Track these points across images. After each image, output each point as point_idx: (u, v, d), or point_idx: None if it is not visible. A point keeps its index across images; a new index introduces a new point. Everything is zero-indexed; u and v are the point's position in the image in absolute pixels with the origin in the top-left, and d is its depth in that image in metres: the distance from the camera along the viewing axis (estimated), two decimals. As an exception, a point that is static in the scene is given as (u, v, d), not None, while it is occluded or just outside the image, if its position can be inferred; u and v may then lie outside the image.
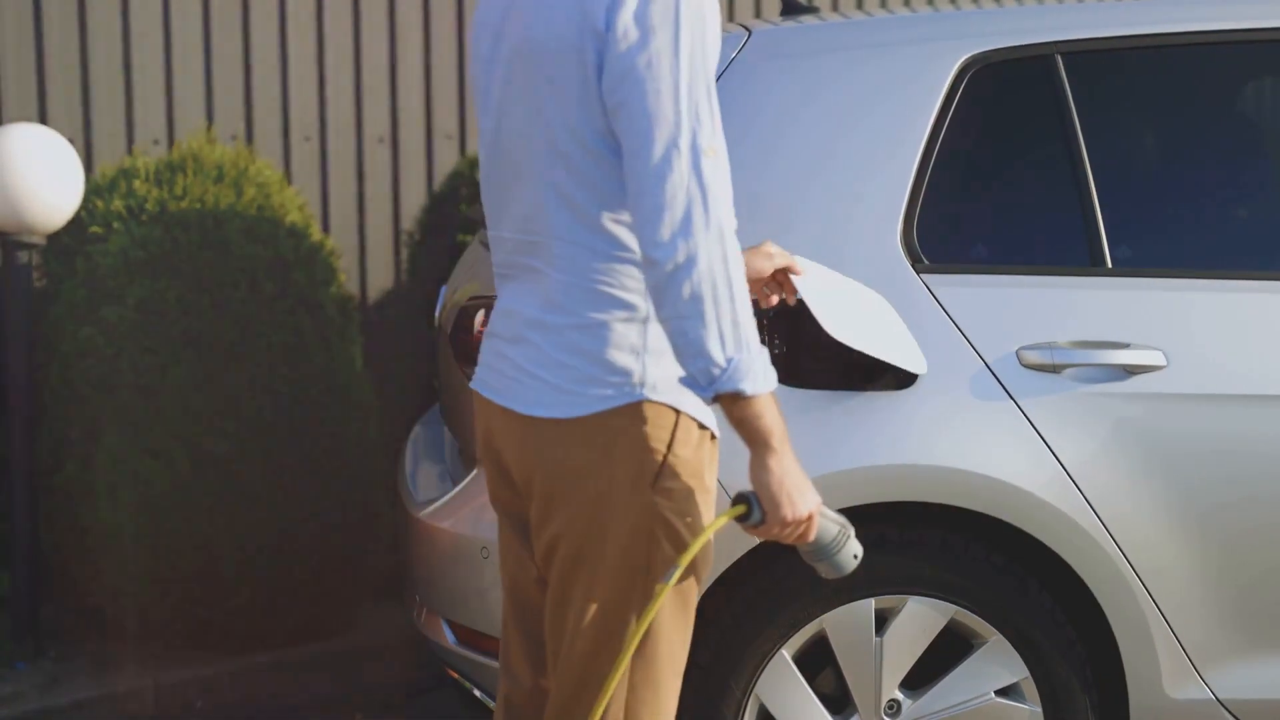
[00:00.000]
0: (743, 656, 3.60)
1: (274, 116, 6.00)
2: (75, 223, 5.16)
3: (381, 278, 6.15)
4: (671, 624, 2.85)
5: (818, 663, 3.67)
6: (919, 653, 3.66)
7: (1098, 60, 3.80)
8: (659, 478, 2.77)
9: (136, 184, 5.15)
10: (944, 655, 3.68)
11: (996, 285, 3.66)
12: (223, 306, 5.01)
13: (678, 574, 2.75)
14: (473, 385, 3.00)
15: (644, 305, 2.76)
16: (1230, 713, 3.70)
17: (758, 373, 2.66)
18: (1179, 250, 3.82)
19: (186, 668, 5.01)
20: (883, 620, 3.64)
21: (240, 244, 5.06)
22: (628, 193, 2.69)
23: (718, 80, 3.70)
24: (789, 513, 2.74)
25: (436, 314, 4.47)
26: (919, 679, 3.68)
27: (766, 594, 3.60)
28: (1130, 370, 3.61)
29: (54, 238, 5.18)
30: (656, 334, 2.76)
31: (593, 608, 2.81)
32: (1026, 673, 3.66)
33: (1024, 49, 3.75)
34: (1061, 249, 3.74)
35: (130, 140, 5.83)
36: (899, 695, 3.67)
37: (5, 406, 5.09)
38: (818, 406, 3.52)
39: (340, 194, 6.10)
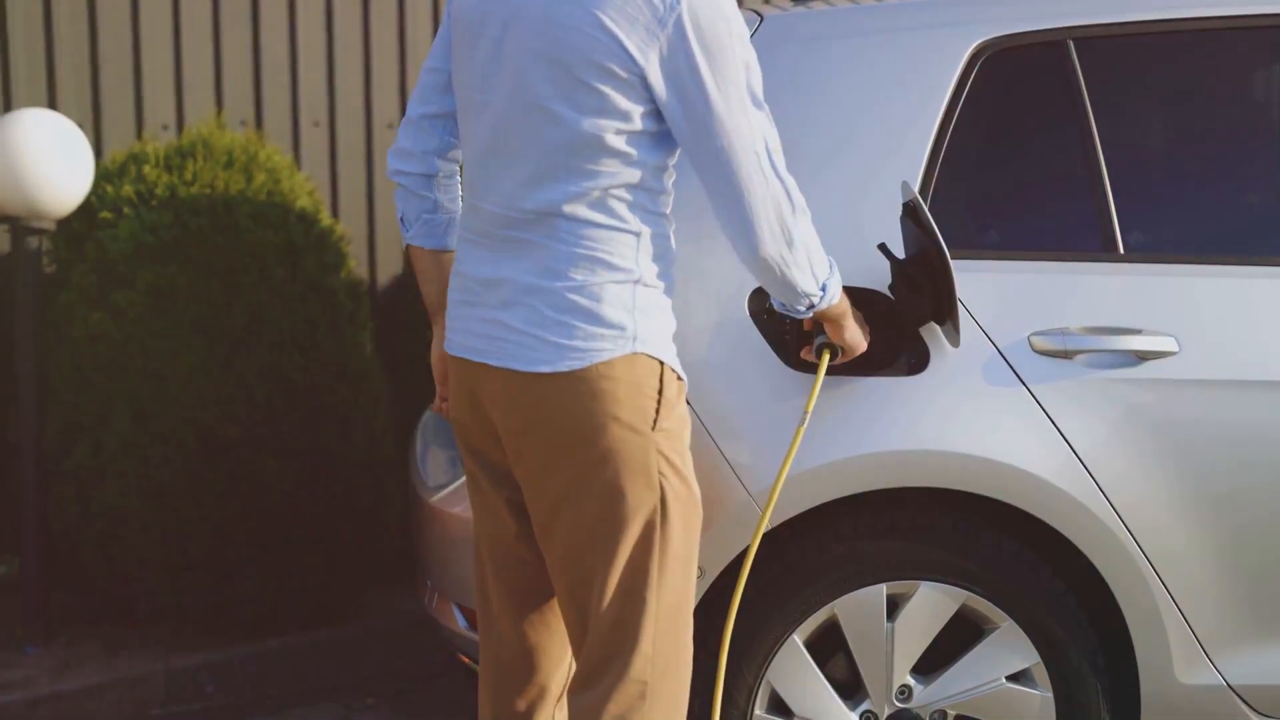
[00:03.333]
0: (754, 642, 3.60)
1: (283, 102, 6.00)
2: (85, 208, 5.16)
3: (391, 263, 6.15)
4: (676, 571, 3.11)
5: (829, 648, 3.67)
6: (930, 638, 3.66)
7: (1110, 46, 3.79)
8: (657, 420, 3.05)
9: (146, 169, 5.15)
10: (955, 641, 3.68)
11: (1008, 271, 3.66)
12: (233, 292, 5.01)
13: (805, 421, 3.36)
14: (452, 351, 3.18)
15: (635, 268, 3.05)
16: (1241, 698, 3.71)
17: (837, 284, 3.20)
18: (1191, 236, 3.82)
19: (197, 653, 5.02)
20: (894, 606, 3.64)
21: (250, 229, 5.06)
22: (711, 198, 3.04)
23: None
24: (860, 349, 3.37)
25: (447, 299, 4.46)
26: (930, 664, 3.68)
27: (778, 580, 3.60)
28: (1142, 356, 3.60)
29: (64, 223, 5.18)
30: (644, 294, 3.06)
31: (616, 548, 3.06)
32: (1038, 658, 3.67)
33: (1036, 34, 3.75)
34: (1074, 234, 3.74)
35: (140, 125, 5.83)
36: (910, 681, 3.67)
37: (15, 392, 5.10)
38: (830, 392, 3.52)
39: (350, 179, 6.10)
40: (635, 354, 3.03)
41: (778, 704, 3.66)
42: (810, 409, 3.40)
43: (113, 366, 5.00)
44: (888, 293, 3.55)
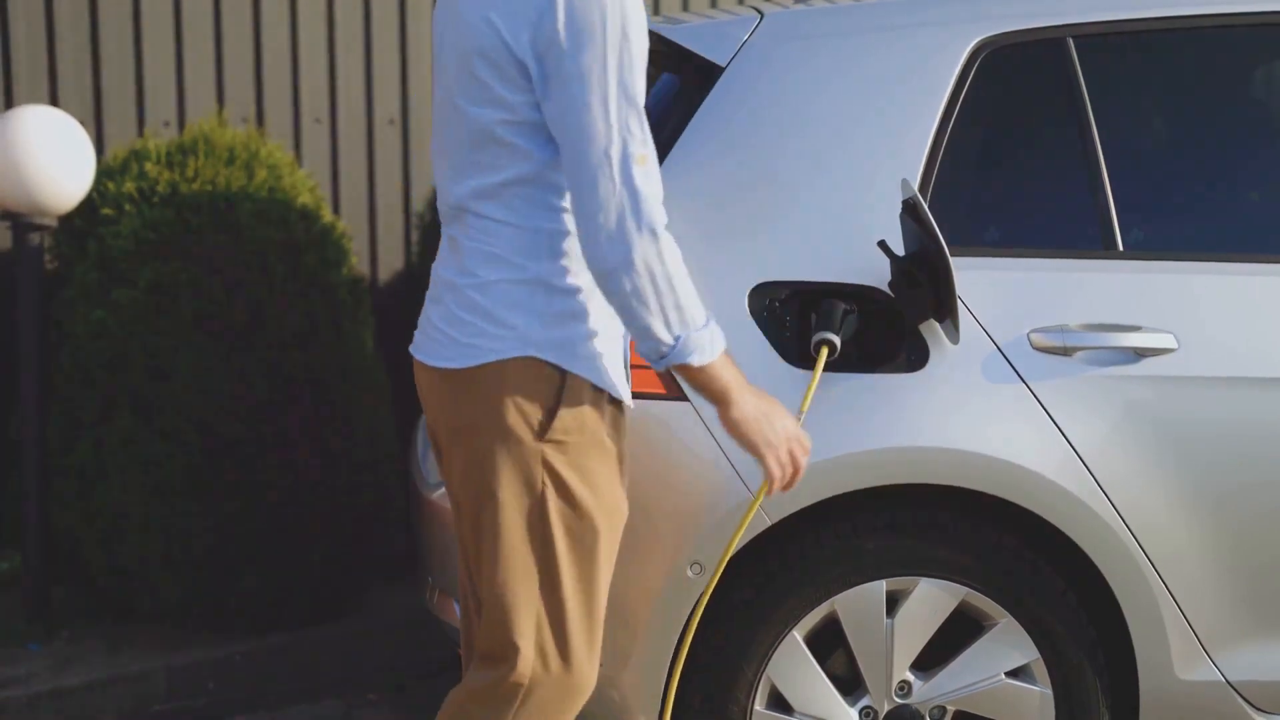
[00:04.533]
0: (754, 638, 3.61)
1: (285, 99, 6.00)
2: (86, 205, 5.17)
3: (392, 259, 6.15)
4: (569, 587, 3.06)
5: (829, 644, 3.68)
6: (930, 634, 3.67)
7: (1109, 43, 3.80)
8: (546, 430, 2.98)
9: (148, 166, 5.16)
10: (955, 637, 3.68)
11: (1008, 268, 3.67)
12: (234, 289, 5.01)
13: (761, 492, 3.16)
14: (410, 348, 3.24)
15: (534, 267, 2.99)
16: (1240, 695, 3.71)
17: (704, 345, 2.95)
18: (1190, 233, 3.82)
19: (198, 649, 5.03)
20: (894, 602, 3.65)
21: (251, 226, 5.07)
22: (569, 193, 2.93)
23: (729, 63, 3.73)
24: (768, 451, 3.04)
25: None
26: (930, 660, 3.69)
27: (778, 576, 3.61)
28: (1141, 353, 3.61)
29: (65, 220, 5.19)
30: (545, 296, 3.00)
31: (498, 551, 3.04)
32: (1037, 654, 3.67)
33: (1036, 32, 3.75)
34: (1073, 232, 3.74)
35: (141, 122, 5.84)
36: (910, 676, 3.68)
37: (17, 389, 5.10)
38: (828, 388, 3.53)
39: (351, 176, 6.10)
40: (528, 357, 2.98)
41: (778, 700, 3.67)
42: (805, 408, 3.41)
43: (114, 363, 5.01)
44: (887, 290, 3.56)
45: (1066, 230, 3.76)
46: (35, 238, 5.02)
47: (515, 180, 2.98)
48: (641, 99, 2.90)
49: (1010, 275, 3.66)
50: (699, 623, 3.59)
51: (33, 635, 5.07)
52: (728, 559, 3.37)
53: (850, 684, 3.69)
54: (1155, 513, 3.61)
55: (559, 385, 2.99)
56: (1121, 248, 3.69)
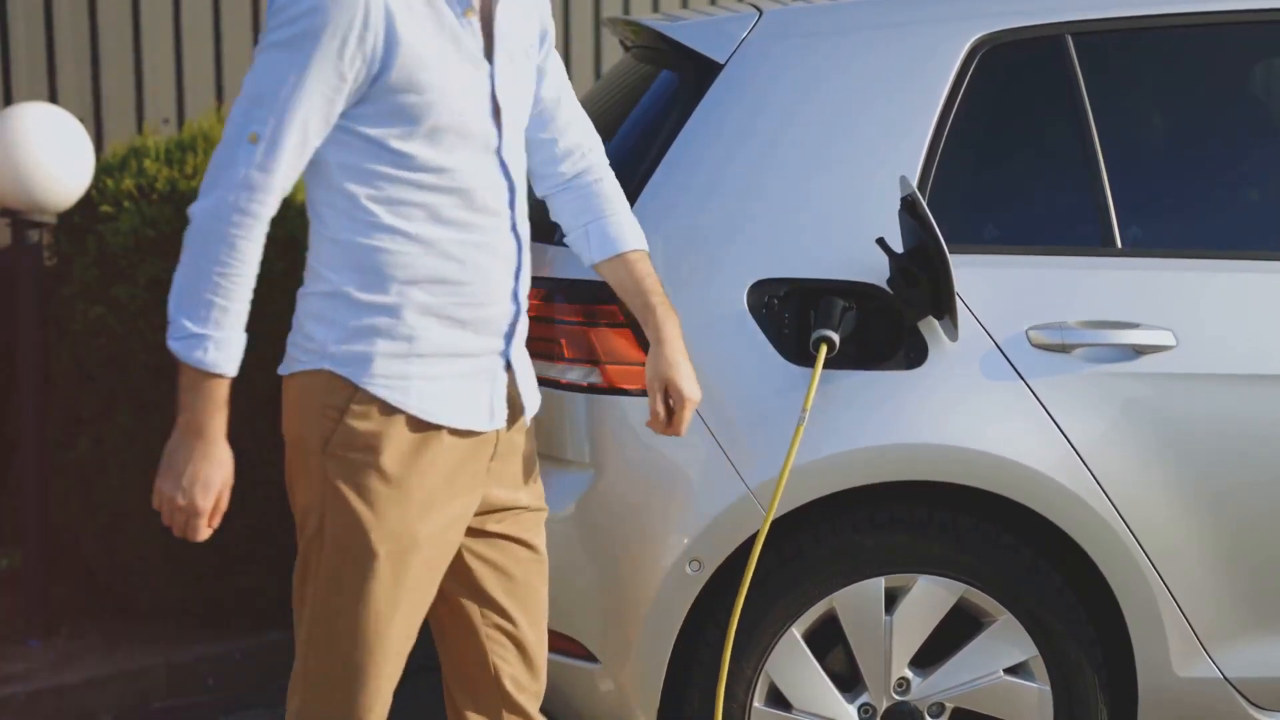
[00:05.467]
0: (753, 635, 3.62)
1: (284, 95, 6.00)
2: (86, 202, 5.17)
3: (391, 256, 6.15)
4: (331, 604, 2.99)
5: (828, 641, 3.68)
6: (929, 631, 3.67)
7: (1108, 41, 3.80)
8: (330, 443, 2.93)
9: (147, 163, 5.16)
10: (954, 634, 3.69)
11: (1006, 265, 3.67)
12: (233, 285, 5.01)
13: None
14: None
15: (336, 279, 2.93)
16: (1238, 691, 3.72)
17: (194, 346, 2.87)
18: (1189, 231, 3.83)
19: (198, 645, 5.03)
20: (893, 599, 3.65)
21: (251, 223, 5.07)
22: None
23: (728, 61, 3.73)
24: (160, 483, 2.97)
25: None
26: (928, 657, 3.69)
27: (777, 573, 3.61)
28: (1140, 350, 3.61)
29: (65, 217, 5.19)
30: (345, 309, 2.93)
31: (300, 554, 3.06)
32: (1036, 651, 3.68)
33: (1034, 29, 3.76)
34: (1072, 229, 3.74)
35: (140, 119, 5.84)
36: (908, 673, 3.68)
37: (16, 386, 5.11)
38: (827, 385, 3.53)
39: (350, 173, 6.10)
40: (322, 370, 2.92)
41: (776, 697, 3.67)
42: (809, 405, 3.42)
43: (114, 360, 5.01)
44: (886, 287, 3.56)
45: (1065, 227, 3.76)
46: (34, 235, 5.02)
47: (316, 187, 2.96)
48: (304, 79, 2.80)
49: (1009, 272, 3.66)
50: (698, 622, 3.60)
51: (32, 631, 5.07)
52: (765, 534, 3.37)
53: (849, 681, 3.70)
54: (1154, 510, 3.62)
55: (349, 398, 2.91)
56: (1120, 245, 3.69)
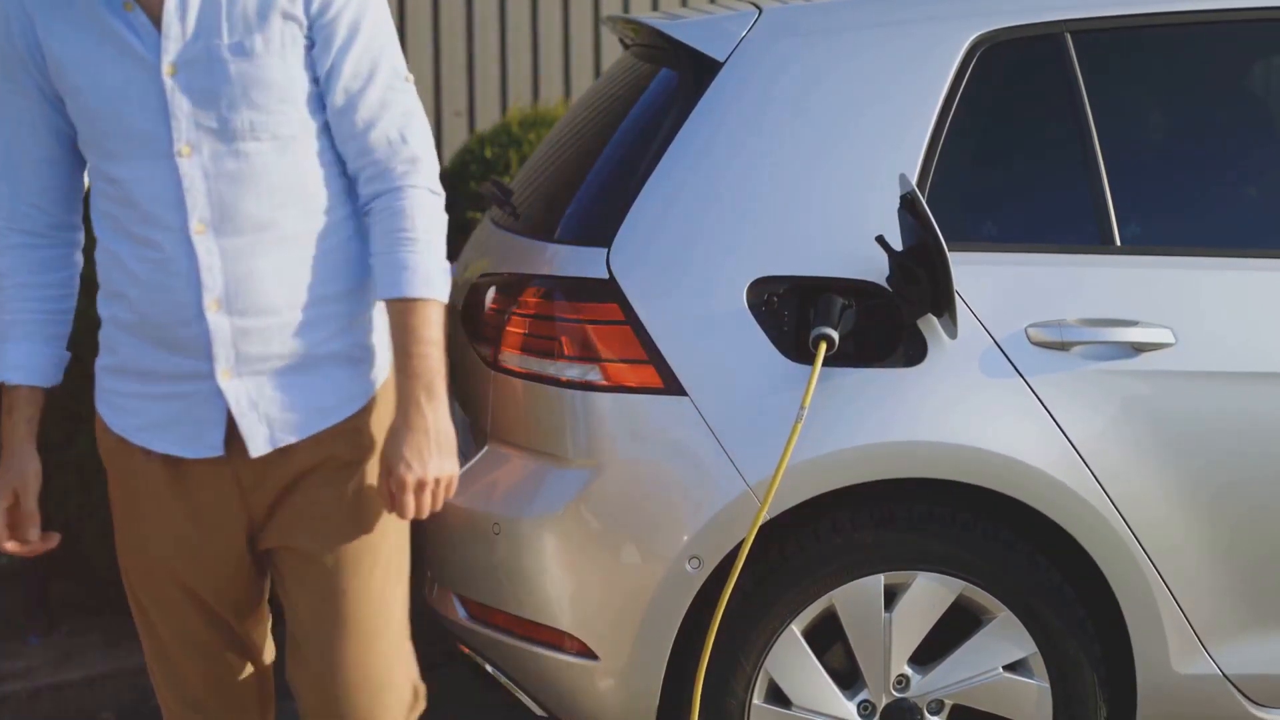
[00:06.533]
0: (752, 632, 3.62)
1: (284, 93, 6.00)
2: (86, 199, 5.16)
3: (391, 254, 6.14)
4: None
5: (827, 638, 3.69)
6: (928, 628, 3.67)
7: (1107, 39, 3.80)
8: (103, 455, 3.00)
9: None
10: (953, 631, 3.69)
11: (1005, 263, 3.67)
12: (234, 283, 5.01)
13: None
14: None
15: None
16: (1237, 688, 3.72)
17: None
18: (1188, 228, 3.83)
19: (198, 643, 5.03)
20: (892, 596, 3.66)
21: (251, 221, 5.06)
22: None
23: (727, 59, 3.75)
24: None
25: (447, 291, 4.47)
26: (928, 654, 3.70)
27: (776, 570, 3.62)
28: (1139, 348, 3.62)
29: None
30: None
31: None
32: (1035, 648, 3.68)
33: (1033, 27, 3.76)
34: (1071, 227, 3.75)
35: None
36: (908, 670, 3.69)
37: (17, 383, 5.10)
38: (826, 383, 3.53)
39: (350, 171, 6.10)
40: None
41: (776, 694, 3.68)
42: (807, 402, 3.42)
43: (114, 358, 5.00)
44: (886, 285, 3.56)
45: (1064, 225, 3.76)
46: (35, 232, 5.01)
47: None
48: None
49: (1008, 270, 3.66)
50: (697, 619, 3.60)
51: (33, 629, 5.07)
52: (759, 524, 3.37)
53: (848, 678, 3.70)
54: (1152, 507, 3.62)
55: (92, 415, 3.01)
56: (1119, 243, 3.70)
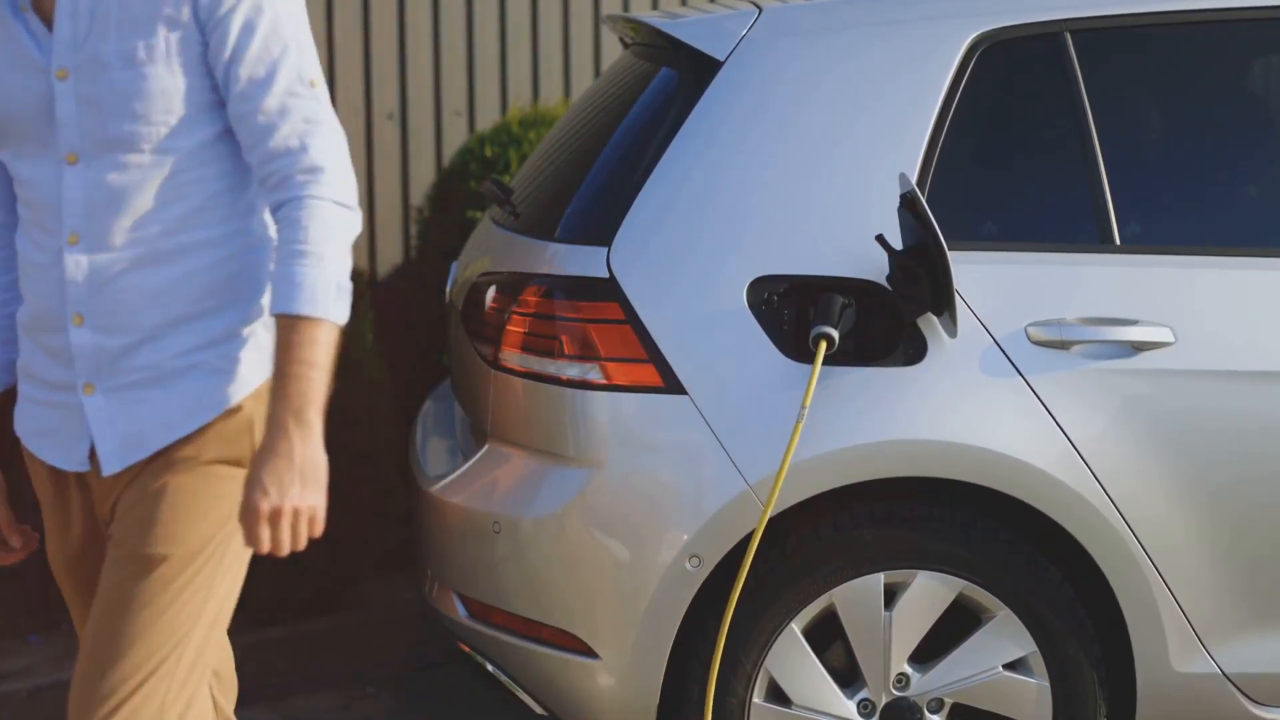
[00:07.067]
0: (752, 630, 3.62)
1: (283, 93, 5.99)
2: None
3: (391, 254, 6.15)
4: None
5: (827, 637, 3.69)
6: (928, 627, 3.68)
7: (1106, 38, 3.81)
8: None
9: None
10: (953, 630, 3.69)
11: (1005, 262, 3.67)
12: (234, 282, 5.01)
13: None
14: None
15: None
16: (1237, 687, 3.72)
17: None
18: (1187, 227, 3.83)
19: (198, 641, 5.03)
20: (892, 595, 3.66)
21: (251, 220, 5.06)
22: None
23: (727, 58, 3.75)
24: None
25: (447, 290, 4.48)
26: (928, 653, 3.70)
27: (776, 569, 3.62)
28: (1138, 347, 3.62)
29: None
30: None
31: None
32: (1034, 647, 3.68)
33: (1033, 26, 3.76)
34: (1070, 226, 3.75)
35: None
36: (908, 669, 3.69)
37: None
38: (826, 382, 3.54)
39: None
40: None
41: (776, 692, 3.68)
42: (808, 401, 3.43)
43: (114, 357, 5.01)
44: (885, 284, 3.57)
45: (1064, 224, 3.77)
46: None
47: None
48: None
49: (1008, 269, 3.66)
50: (698, 617, 3.60)
51: (33, 627, 5.07)
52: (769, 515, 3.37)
53: (848, 676, 3.70)
54: (1152, 506, 3.62)
55: None
56: (1119, 242, 3.70)
